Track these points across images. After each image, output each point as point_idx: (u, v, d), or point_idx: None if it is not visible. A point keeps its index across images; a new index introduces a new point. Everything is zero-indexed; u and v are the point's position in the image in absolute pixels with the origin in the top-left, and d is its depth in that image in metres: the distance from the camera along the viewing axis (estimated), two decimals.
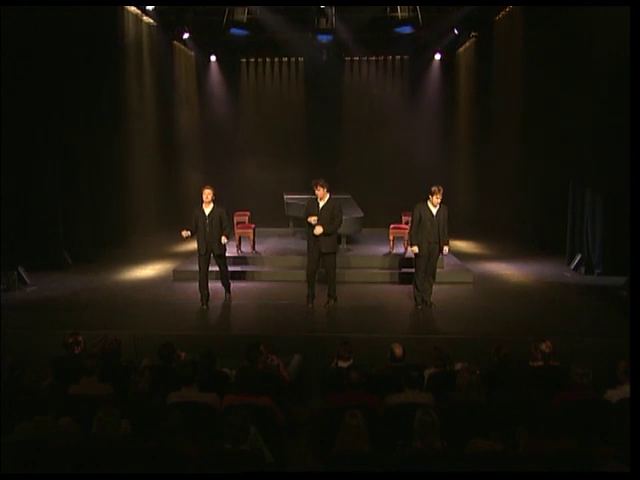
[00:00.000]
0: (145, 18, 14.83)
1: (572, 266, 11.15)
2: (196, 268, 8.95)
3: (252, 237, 12.01)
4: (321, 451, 4.73)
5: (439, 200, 8.62)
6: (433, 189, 8.61)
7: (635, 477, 3.66)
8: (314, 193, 8.89)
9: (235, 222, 12.83)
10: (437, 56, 17.97)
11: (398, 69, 18.78)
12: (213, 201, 8.80)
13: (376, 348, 6.78)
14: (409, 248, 8.70)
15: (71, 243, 11.83)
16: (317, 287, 9.18)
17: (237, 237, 12.11)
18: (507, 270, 11.44)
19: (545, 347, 5.96)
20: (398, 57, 18.59)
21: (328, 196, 8.84)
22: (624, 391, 5.04)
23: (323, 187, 8.76)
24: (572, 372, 5.18)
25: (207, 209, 8.79)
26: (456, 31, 15.91)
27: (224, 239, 8.79)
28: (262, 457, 4.25)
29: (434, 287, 9.09)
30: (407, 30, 15.19)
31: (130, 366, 5.96)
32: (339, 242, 11.96)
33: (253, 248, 12.01)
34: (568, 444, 4.18)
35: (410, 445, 4.21)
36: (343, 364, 5.99)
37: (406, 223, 12.74)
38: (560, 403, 4.82)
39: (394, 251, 11.75)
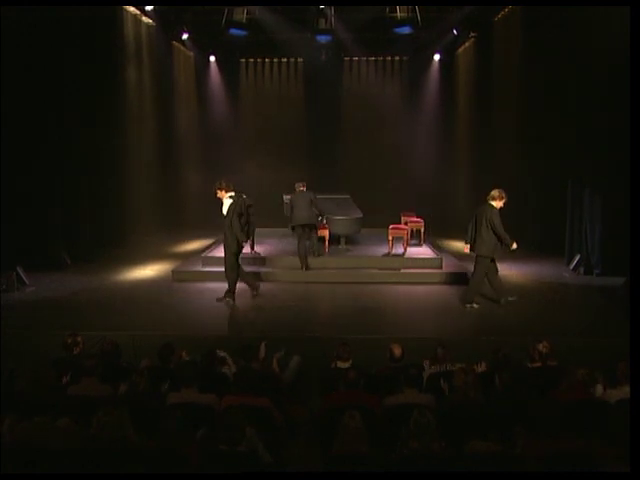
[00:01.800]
0: (144, 18, 14.82)
1: (571, 266, 11.15)
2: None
3: (252, 237, 11.98)
4: (320, 451, 4.73)
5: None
6: (503, 194, 8.70)
7: (635, 477, 3.67)
8: None
9: None
10: (436, 56, 17.99)
11: (397, 69, 18.80)
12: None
13: (375, 349, 6.78)
14: (513, 245, 8.73)
15: (70, 243, 11.82)
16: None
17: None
18: (506, 270, 11.41)
19: (542, 347, 5.97)
20: (397, 57, 18.61)
21: (225, 196, 9.12)
22: (623, 392, 5.04)
23: (216, 193, 9.19)
24: (575, 372, 5.19)
25: None
26: (455, 31, 15.91)
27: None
28: (260, 458, 4.25)
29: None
30: (406, 30, 15.19)
31: (130, 367, 5.96)
32: (338, 242, 12.10)
33: (252, 248, 12.00)
34: (568, 444, 4.18)
35: (408, 446, 4.21)
36: (342, 365, 5.99)
37: (405, 223, 12.75)
38: (560, 402, 4.82)
39: (393, 251, 11.76)
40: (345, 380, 5.22)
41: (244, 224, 9.27)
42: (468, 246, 9.00)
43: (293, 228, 10.90)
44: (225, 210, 9.05)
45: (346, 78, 18.82)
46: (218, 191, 9.15)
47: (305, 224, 10.72)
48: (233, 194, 9.13)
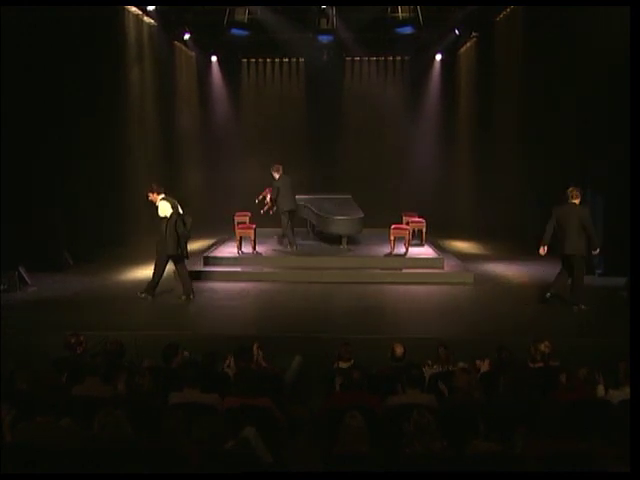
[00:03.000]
0: (146, 18, 14.82)
1: None
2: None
3: (253, 237, 12.00)
4: (321, 451, 4.72)
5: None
6: (579, 192, 8.72)
7: (635, 477, 3.66)
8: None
9: (236, 222, 12.84)
10: (438, 56, 17.96)
11: (399, 69, 18.78)
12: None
13: (376, 349, 6.78)
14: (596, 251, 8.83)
15: (72, 243, 11.83)
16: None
17: (238, 238, 12.11)
18: (507, 270, 11.44)
19: (544, 347, 5.96)
20: (399, 57, 18.58)
21: (158, 199, 9.11)
22: (625, 392, 5.04)
23: (147, 196, 9.22)
24: (576, 372, 5.18)
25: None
26: (457, 31, 15.90)
27: None
28: (260, 458, 4.25)
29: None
30: (408, 30, 15.19)
31: (132, 367, 5.96)
32: (339, 242, 12.09)
33: (254, 249, 12.02)
34: (568, 444, 4.18)
35: (409, 446, 4.20)
36: (344, 365, 5.99)
37: (407, 223, 12.74)
38: (561, 403, 4.82)
39: (395, 251, 11.75)
40: (349, 380, 5.21)
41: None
42: (545, 247, 8.82)
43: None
44: (165, 212, 9.02)
45: (347, 78, 18.80)
46: (150, 194, 9.16)
47: (292, 210, 12.07)
48: (164, 196, 9.14)
